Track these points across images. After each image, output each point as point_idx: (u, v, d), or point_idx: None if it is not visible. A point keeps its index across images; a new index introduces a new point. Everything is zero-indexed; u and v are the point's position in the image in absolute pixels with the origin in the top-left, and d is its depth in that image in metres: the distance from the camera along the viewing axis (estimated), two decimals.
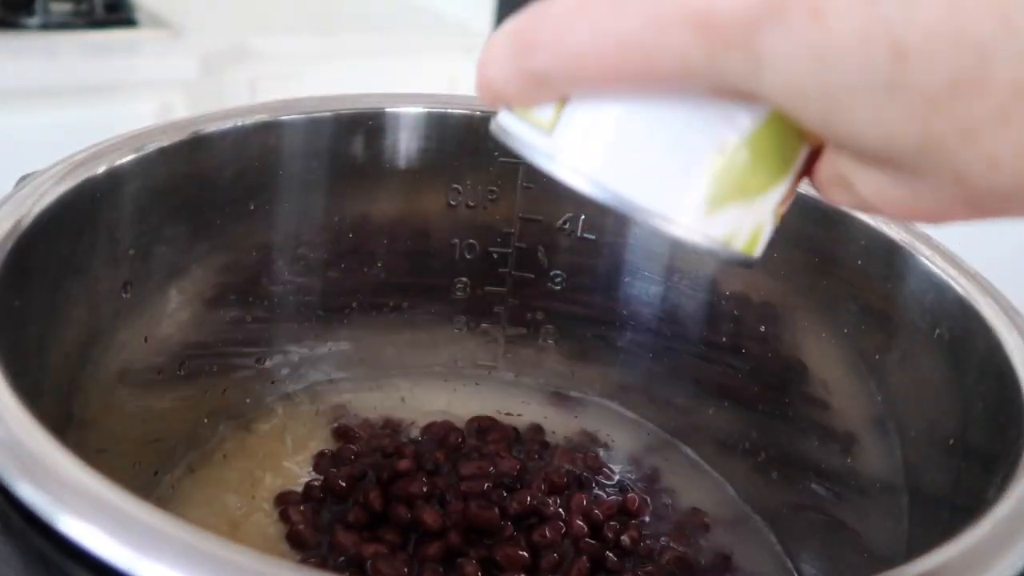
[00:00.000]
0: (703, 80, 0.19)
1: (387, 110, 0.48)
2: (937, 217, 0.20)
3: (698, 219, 0.21)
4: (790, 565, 0.45)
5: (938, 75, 0.16)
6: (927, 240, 0.40)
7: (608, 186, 0.21)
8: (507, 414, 0.53)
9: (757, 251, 0.23)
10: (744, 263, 0.23)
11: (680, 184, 0.21)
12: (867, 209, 0.22)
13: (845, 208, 0.41)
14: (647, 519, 0.46)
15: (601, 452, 0.50)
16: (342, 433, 0.49)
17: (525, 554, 0.41)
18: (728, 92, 0.19)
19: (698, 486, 0.49)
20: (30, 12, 1.09)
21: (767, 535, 0.47)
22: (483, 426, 0.50)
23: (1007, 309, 0.35)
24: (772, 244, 0.23)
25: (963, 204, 0.19)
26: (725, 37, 0.18)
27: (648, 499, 0.47)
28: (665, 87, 0.20)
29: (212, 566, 0.20)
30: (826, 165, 0.22)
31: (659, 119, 0.21)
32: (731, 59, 0.18)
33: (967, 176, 0.17)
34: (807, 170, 0.23)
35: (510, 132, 0.24)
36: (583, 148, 0.22)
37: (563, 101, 0.22)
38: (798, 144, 0.22)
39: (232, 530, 0.42)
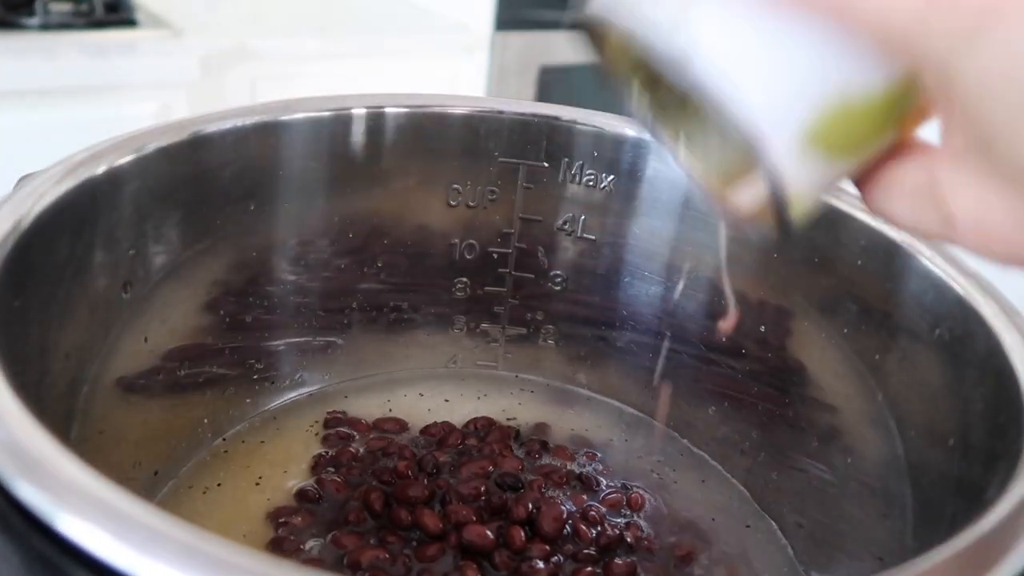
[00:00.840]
0: (900, 42, 0.18)
1: (387, 110, 0.48)
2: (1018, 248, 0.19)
3: (790, 153, 0.21)
4: (795, 561, 0.45)
5: None
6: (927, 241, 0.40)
7: (722, 84, 0.20)
8: (507, 414, 0.53)
9: (799, 225, 0.22)
10: (784, 232, 0.22)
11: (794, 108, 0.20)
12: (937, 232, 0.21)
13: (848, 210, 0.41)
14: (649, 517, 0.46)
15: (602, 451, 0.50)
16: (342, 435, 0.49)
17: (526, 554, 0.41)
18: (911, 58, 0.18)
19: (700, 484, 0.49)
20: (30, 12, 1.09)
21: (772, 532, 0.47)
22: (482, 426, 0.50)
23: (1007, 309, 0.35)
24: (772, 244, 0.23)
25: None
26: (953, 5, 0.17)
27: (650, 497, 0.47)
28: (853, 30, 0.19)
29: (212, 566, 0.20)
30: (914, 172, 0.21)
31: (806, 37, 0.20)
32: (949, 31, 0.17)
33: None
34: (865, 175, 0.22)
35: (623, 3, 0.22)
36: (715, 37, 0.20)
37: None
38: (892, 129, 0.21)
39: (232, 531, 0.42)
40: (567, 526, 0.43)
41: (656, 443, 0.52)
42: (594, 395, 0.55)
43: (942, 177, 0.20)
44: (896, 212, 0.22)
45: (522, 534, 0.42)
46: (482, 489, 0.44)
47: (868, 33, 0.19)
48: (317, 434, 0.49)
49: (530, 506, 0.43)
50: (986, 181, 0.19)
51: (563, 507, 0.44)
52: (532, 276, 0.54)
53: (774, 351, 0.47)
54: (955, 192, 0.20)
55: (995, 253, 0.20)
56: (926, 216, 0.21)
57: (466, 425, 0.50)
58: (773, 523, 0.47)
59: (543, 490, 0.46)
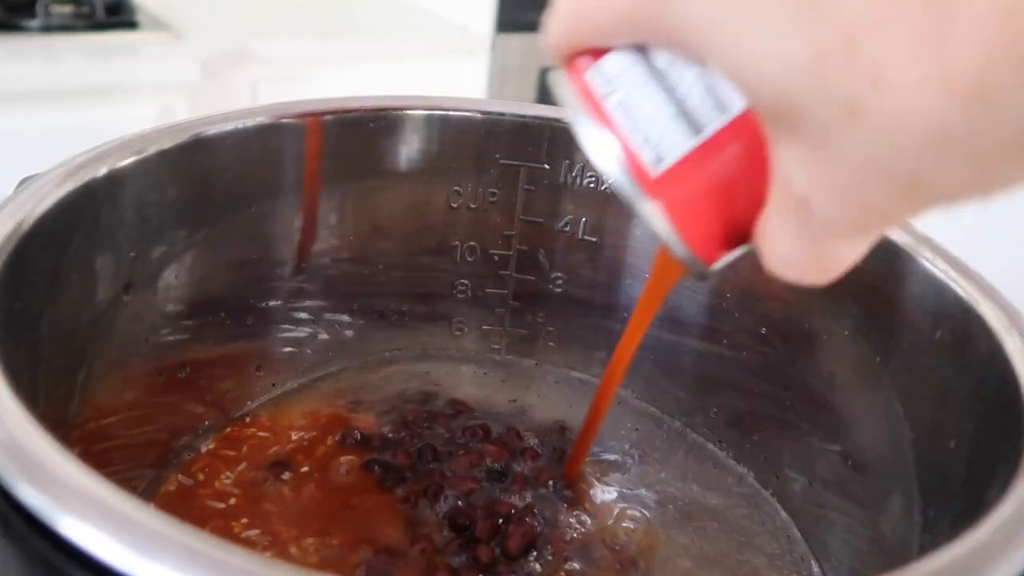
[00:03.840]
0: (639, 23, 0.22)
1: (388, 112, 0.48)
2: (866, 209, 0.19)
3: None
4: (809, 556, 0.45)
5: None
6: (928, 242, 0.40)
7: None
8: (509, 417, 0.52)
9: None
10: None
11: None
12: (808, 234, 0.21)
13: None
14: (654, 509, 0.46)
15: (600, 447, 0.50)
16: (344, 437, 0.49)
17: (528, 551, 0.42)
18: (659, 38, 0.22)
19: (704, 486, 0.49)
20: (31, 14, 1.09)
21: (776, 533, 0.47)
22: (483, 432, 0.50)
23: (1007, 311, 0.35)
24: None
25: (879, 175, 0.18)
26: None
27: (651, 495, 0.47)
28: (626, 36, 0.23)
29: (211, 568, 0.20)
30: (772, 194, 0.22)
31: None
32: None
33: (858, 105, 0.17)
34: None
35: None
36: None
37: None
38: None
39: (233, 532, 0.42)
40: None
41: (658, 444, 0.52)
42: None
43: (778, 168, 0.21)
44: (786, 253, 0.22)
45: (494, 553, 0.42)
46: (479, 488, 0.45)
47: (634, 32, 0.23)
48: (317, 434, 0.49)
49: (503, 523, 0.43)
50: (796, 145, 0.20)
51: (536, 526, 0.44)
52: (533, 278, 0.54)
53: (775, 353, 0.47)
54: (790, 173, 0.21)
55: (866, 222, 0.20)
56: (802, 231, 0.21)
57: (463, 432, 0.50)
58: (778, 523, 0.47)
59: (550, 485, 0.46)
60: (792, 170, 0.20)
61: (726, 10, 0.19)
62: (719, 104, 0.23)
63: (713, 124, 0.23)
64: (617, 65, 0.24)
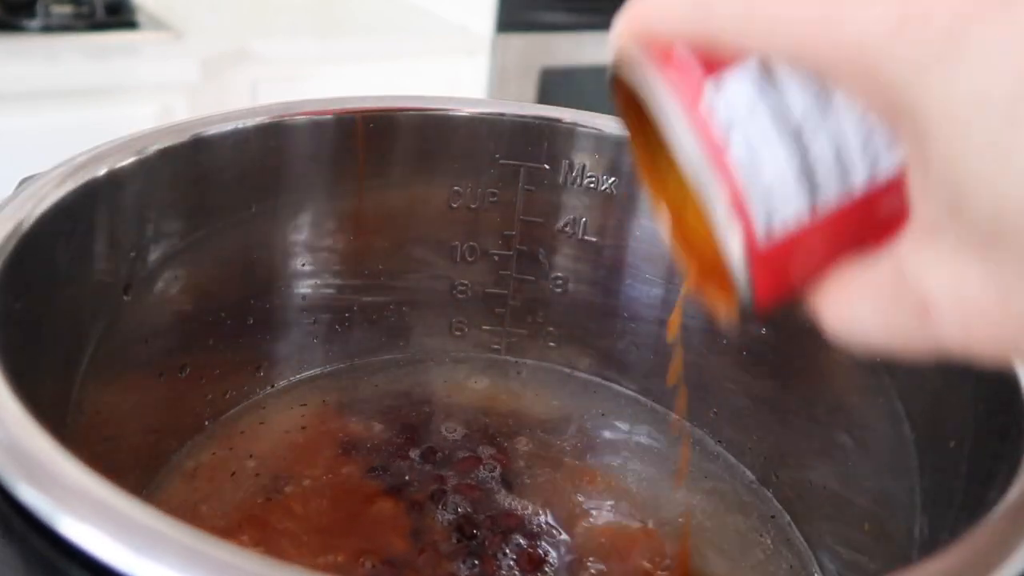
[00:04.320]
0: (869, 70, 0.17)
1: (388, 113, 0.48)
2: (1008, 331, 0.17)
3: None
4: (810, 557, 0.45)
5: None
6: None
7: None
8: (509, 417, 0.52)
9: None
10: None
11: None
12: (912, 331, 0.19)
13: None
14: (654, 508, 0.46)
15: (603, 448, 0.50)
16: (344, 443, 0.49)
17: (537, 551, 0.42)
18: (878, 101, 0.18)
19: (704, 485, 0.49)
20: (31, 14, 1.10)
21: (784, 530, 0.47)
22: (474, 441, 0.50)
23: None
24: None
25: None
26: (925, 17, 0.16)
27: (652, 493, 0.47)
28: (829, 65, 0.18)
29: (211, 568, 0.20)
30: (876, 268, 0.19)
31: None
32: (917, 54, 0.16)
33: None
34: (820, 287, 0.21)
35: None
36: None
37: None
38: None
39: (234, 531, 0.42)
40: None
41: (657, 442, 0.52)
42: (596, 397, 0.55)
43: (910, 261, 0.18)
44: (859, 319, 0.20)
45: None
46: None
47: (843, 63, 0.18)
48: (316, 437, 0.49)
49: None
50: (960, 250, 0.17)
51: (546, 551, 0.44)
52: (533, 278, 0.54)
53: (776, 354, 0.47)
54: (927, 273, 0.18)
55: (981, 341, 0.18)
56: (897, 315, 0.19)
57: (465, 435, 0.50)
58: (778, 523, 0.47)
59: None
60: (941, 280, 0.18)
61: (1008, 130, 0.16)
62: (848, 169, 0.20)
63: (838, 194, 0.20)
64: (743, 90, 0.20)
